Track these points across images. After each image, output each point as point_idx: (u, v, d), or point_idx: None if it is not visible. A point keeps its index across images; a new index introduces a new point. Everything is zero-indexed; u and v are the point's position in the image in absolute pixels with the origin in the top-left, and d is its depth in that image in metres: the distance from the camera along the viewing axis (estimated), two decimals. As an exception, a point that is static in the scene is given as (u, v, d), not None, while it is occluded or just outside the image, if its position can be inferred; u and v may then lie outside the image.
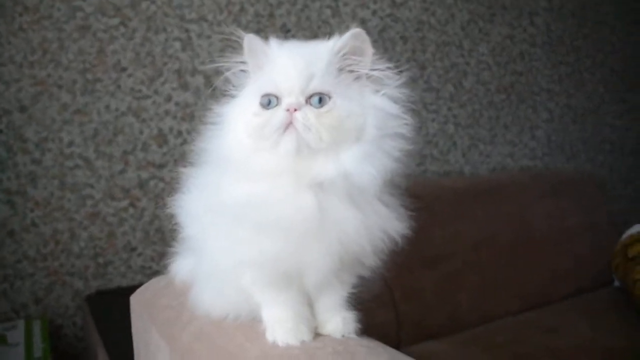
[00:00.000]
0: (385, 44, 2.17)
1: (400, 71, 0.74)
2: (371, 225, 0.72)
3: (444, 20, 2.34)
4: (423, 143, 2.29)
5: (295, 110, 0.69)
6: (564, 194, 2.20)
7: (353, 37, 0.72)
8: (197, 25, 1.84)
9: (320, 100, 0.70)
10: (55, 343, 1.66)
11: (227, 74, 0.77)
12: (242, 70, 0.77)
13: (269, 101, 0.71)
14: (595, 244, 2.16)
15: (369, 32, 0.73)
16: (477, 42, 2.44)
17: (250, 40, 0.74)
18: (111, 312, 1.51)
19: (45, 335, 1.54)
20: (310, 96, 0.70)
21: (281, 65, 0.72)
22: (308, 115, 0.69)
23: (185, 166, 0.82)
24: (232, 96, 0.78)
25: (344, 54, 0.72)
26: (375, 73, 0.73)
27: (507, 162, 2.55)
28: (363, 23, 2.14)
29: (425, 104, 2.29)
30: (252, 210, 0.70)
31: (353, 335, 0.78)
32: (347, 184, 0.70)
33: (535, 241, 2.01)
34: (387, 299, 1.60)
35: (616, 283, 2.04)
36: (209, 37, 1.84)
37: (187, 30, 1.82)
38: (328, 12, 2.07)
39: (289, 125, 0.69)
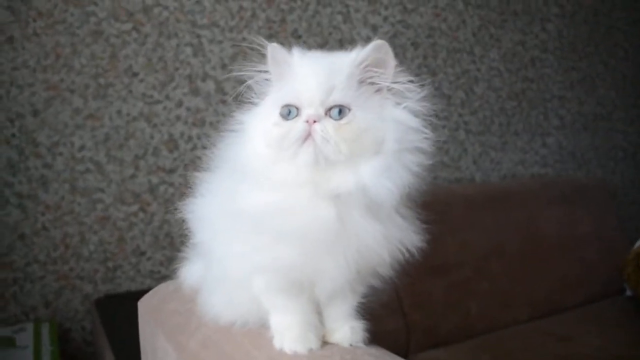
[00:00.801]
0: (397, 51, 2.17)
1: (422, 85, 0.74)
2: (390, 237, 0.72)
3: (455, 26, 2.34)
4: (434, 150, 2.27)
5: (315, 122, 0.69)
6: (574, 202, 2.18)
7: (376, 48, 0.71)
8: (209, 31, 1.84)
9: (340, 112, 0.70)
10: (63, 346, 1.67)
11: (250, 82, 0.77)
12: (266, 79, 0.77)
13: (289, 112, 0.71)
14: (606, 252, 2.14)
15: (380, 39, 0.72)
16: (488, 48, 2.43)
17: (273, 50, 0.74)
18: (120, 316, 1.51)
19: (54, 338, 1.55)
20: (330, 108, 0.70)
21: (302, 76, 0.72)
22: (327, 127, 0.69)
23: (198, 171, 0.82)
24: (254, 104, 0.78)
25: (366, 66, 0.72)
26: (396, 86, 0.72)
27: (518, 169, 2.54)
28: (374, 29, 2.14)
29: (436, 110, 2.28)
30: (271, 218, 0.70)
31: (361, 344, 0.77)
32: (365, 197, 0.69)
33: (546, 249, 2.00)
34: (396, 307, 1.59)
35: (628, 292, 2.02)
36: (220, 42, 1.85)
37: (198, 36, 1.83)
38: (339, 18, 2.07)
39: (308, 136, 0.68)
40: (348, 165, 0.69)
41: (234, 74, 0.76)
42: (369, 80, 0.72)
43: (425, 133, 0.73)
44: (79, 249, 1.71)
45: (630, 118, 2.92)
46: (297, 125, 0.69)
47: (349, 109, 0.70)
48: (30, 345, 1.52)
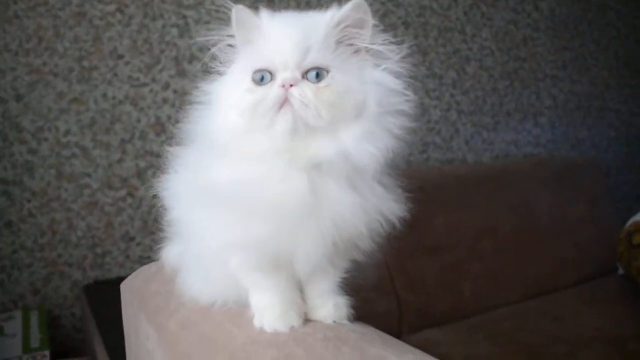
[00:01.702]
0: (387, 30, 2.14)
1: (401, 42, 0.70)
2: (368, 208, 0.68)
3: (447, 5, 2.31)
4: (426, 130, 2.26)
5: (292, 85, 0.65)
6: (567, 181, 2.17)
7: (354, 8, 0.67)
8: (195, 11, 1.81)
9: (318, 76, 0.66)
10: (53, 333, 1.65)
11: (214, 49, 0.73)
12: (230, 45, 0.72)
13: (262, 77, 0.67)
14: (599, 231, 2.13)
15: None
16: (479, 27, 2.40)
17: (238, 12, 0.70)
18: (109, 302, 1.48)
19: (43, 325, 1.53)
20: (307, 71, 0.66)
21: (275, 38, 0.68)
22: (305, 91, 0.65)
23: (171, 145, 0.79)
24: (220, 73, 0.74)
25: (345, 27, 0.68)
26: (375, 46, 0.69)
27: (511, 149, 2.52)
28: (364, 8, 2.10)
29: (428, 90, 2.26)
30: (241, 192, 0.67)
31: (345, 321, 0.75)
32: (346, 164, 0.66)
33: (539, 229, 1.99)
34: (389, 288, 1.58)
35: (620, 271, 2.02)
36: (207, 23, 1.81)
37: (184, 17, 1.79)
38: (328, -3, 2.04)
39: (284, 102, 0.65)
40: (327, 132, 0.66)
41: (197, 39, 0.72)
42: (347, 42, 0.69)
43: (407, 95, 0.69)
44: (67, 235, 1.68)
45: (623, 97, 2.91)
46: (273, 91, 0.65)
47: (327, 71, 0.66)
48: (19, 333, 1.50)
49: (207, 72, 0.74)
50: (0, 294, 1.63)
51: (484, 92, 2.43)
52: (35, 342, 1.47)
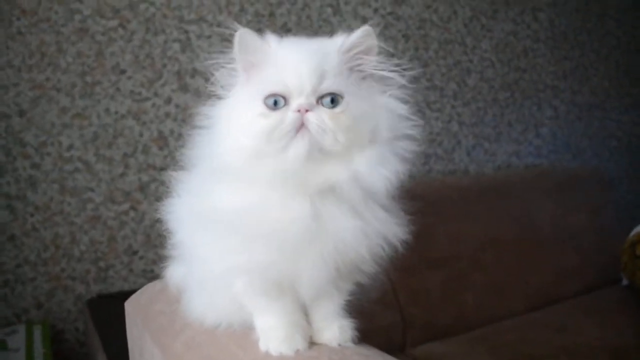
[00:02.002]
0: (387, 43, 2.15)
1: (404, 69, 0.72)
2: (370, 232, 0.69)
3: (446, 17, 2.32)
4: (427, 142, 2.26)
5: (307, 111, 0.66)
6: (569, 192, 2.17)
7: (365, 35, 0.69)
8: (197, 26, 1.82)
9: (332, 101, 0.67)
10: (56, 348, 1.65)
11: (217, 74, 0.73)
12: (232, 68, 0.73)
13: (274, 102, 0.67)
14: (602, 242, 2.13)
15: (367, 26, 0.71)
16: (480, 39, 2.41)
17: (243, 35, 0.69)
18: (113, 316, 1.49)
19: (46, 340, 1.53)
20: (322, 96, 0.67)
21: (289, 63, 0.68)
22: (322, 116, 0.66)
23: (175, 170, 0.80)
24: (220, 97, 0.74)
25: (356, 53, 0.70)
26: (384, 73, 0.71)
27: (512, 160, 2.53)
28: (364, 21, 2.11)
29: (429, 102, 2.27)
30: (243, 218, 0.67)
31: (350, 344, 0.75)
32: (358, 188, 0.67)
33: (541, 239, 1.99)
34: (392, 301, 1.58)
35: (624, 282, 2.01)
36: (208, 37, 1.83)
37: (186, 32, 1.81)
38: (329, 10, 2.05)
39: (300, 127, 0.65)
40: (339, 156, 0.67)
41: (198, 64, 0.73)
42: (357, 68, 0.70)
43: (414, 120, 0.71)
44: (70, 249, 1.69)
45: (624, 107, 2.91)
46: (289, 116, 0.66)
47: (342, 97, 0.67)
48: (23, 347, 1.50)
49: (209, 95, 0.75)
50: (4, 308, 1.63)
51: (485, 103, 2.44)
52: (38, 356, 1.47)
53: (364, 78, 0.71)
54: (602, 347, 1.53)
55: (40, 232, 1.65)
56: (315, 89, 0.67)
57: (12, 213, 1.62)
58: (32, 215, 1.64)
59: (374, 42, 0.70)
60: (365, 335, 0.79)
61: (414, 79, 0.72)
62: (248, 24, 1.88)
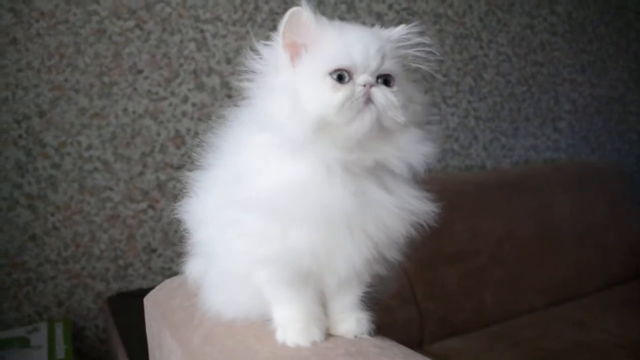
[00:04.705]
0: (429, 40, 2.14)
1: (440, 66, 0.77)
2: (407, 210, 0.71)
3: (462, 12, 2.30)
4: (444, 138, 2.25)
5: (372, 87, 0.68)
6: (589, 186, 2.15)
7: (412, 30, 0.74)
8: (212, 25, 1.83)
9: (386, 82, 0.70)
10: (77, 345, 1.67)
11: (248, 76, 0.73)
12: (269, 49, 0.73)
13: (339, 77, 0.68)
14: (622, 236, 2.11)
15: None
16: (496, 33, 2.39)
17: (297, 14, 0.70)
18: (132, 313, 1.50)
19: (67, 337, 1.55)
20: (380, 76, 0.70)
21: (356, 40, 0.70)
22: (386, 93, 0.69)
23: (191, 170, 0.81)
24: (251, 79, 0.73)
25: (403, 45, 0.74)
26: (423, 67, 0.75)
27: (530, 155, 2.51)
28: (379, 17, 2.11)
29: (445, 97, 2.26)
30: (283, 199, 0.68)
31: (366, 336, 0.76)
32: (404, 166, 0.70)
33: (560, 234, 1.97)
34: (409, 296, 1.58)
35: (646, 276, 1.99)
36: (224, 36, 1.84)
37: (202, 31, 1.82)
38: (343, 7, 2.05)
39: (367, 102, 0.68)
40: (388, 135, 0.70)
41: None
42: (402, 58, 0.74)
43: (434, 110, 0.77)
44: (90, 247, 1.71)
45: (643, 99, 2.87)
46: (358, 89, 0.68)
47: (394, 79, 0.71)
48: (45, 344, 1.53)
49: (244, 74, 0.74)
50: (26, 306, 1.66)
51: (502, 98, 2.42)
52: (60, 353, 1.49)
53: (404, 67, 0.75)
54: (622, 343, 1.52)
55: (61, 231, 1.68)
56: (378, 67, 0.70)
57: (34, 213, 1.65)
58: (52, 214, 1.67)
59: (416, 38, 0.74)
60: (383, 330, 0.79)
61: (431, 76, 0.77)
62: (263, 23, 1.88)
